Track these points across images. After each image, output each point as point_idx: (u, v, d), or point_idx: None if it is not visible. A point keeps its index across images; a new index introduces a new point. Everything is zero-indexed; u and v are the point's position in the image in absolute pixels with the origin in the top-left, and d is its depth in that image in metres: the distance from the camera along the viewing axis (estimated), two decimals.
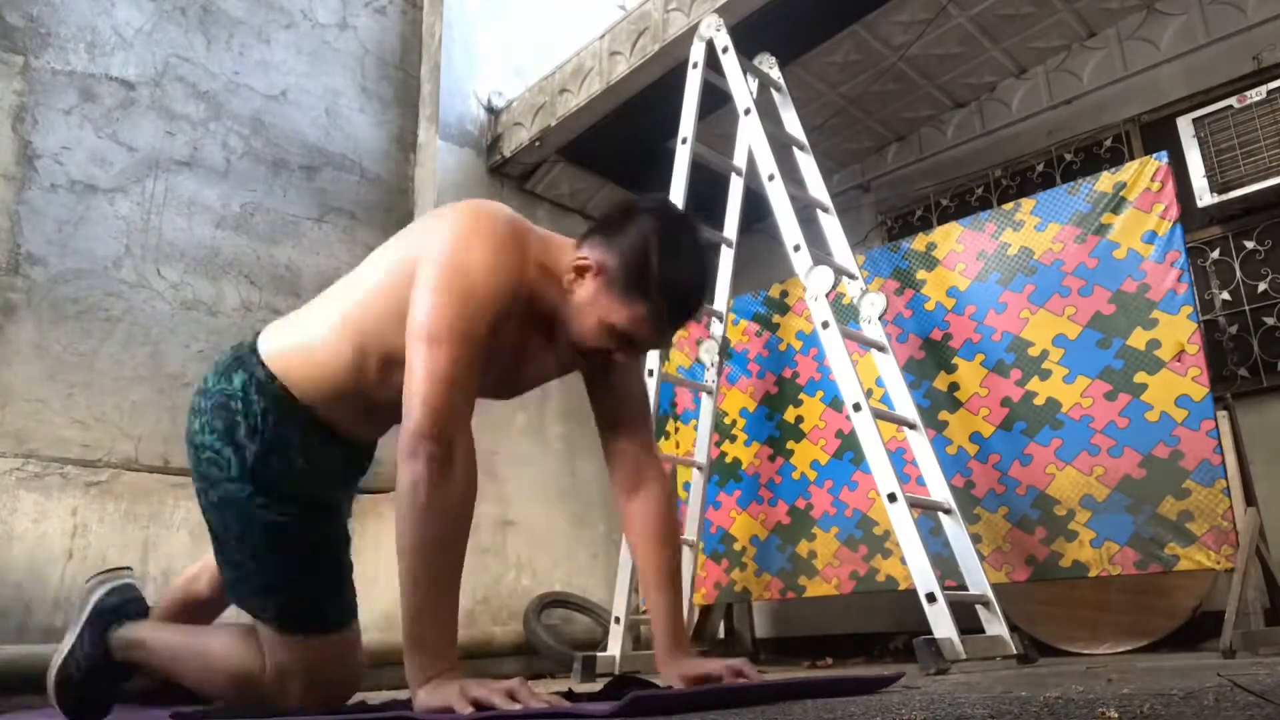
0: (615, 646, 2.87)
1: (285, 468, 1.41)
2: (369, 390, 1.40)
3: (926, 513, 2.63)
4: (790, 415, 3.45)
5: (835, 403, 3.28)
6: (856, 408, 2.51)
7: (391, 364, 1.34)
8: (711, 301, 3.32)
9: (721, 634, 3.95)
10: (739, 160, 3.35)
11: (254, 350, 1.46)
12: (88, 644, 1.61)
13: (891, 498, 2.41)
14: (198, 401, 1.47)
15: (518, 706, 1.07)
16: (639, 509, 1.50)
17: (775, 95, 3.41)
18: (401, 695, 1.25)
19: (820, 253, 2.85)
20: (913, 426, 2.74)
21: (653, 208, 1.36)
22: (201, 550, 3.15)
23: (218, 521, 1.44)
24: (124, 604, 1.67)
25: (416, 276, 1.27)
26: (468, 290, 1.24)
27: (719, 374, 3.40)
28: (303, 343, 1.43)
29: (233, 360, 1.47)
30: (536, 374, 1.49)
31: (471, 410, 1.25)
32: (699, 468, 3.27)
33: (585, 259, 1.33)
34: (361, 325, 1.38)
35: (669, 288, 1.30)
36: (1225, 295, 3.50)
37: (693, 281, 1.35)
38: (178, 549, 3.06)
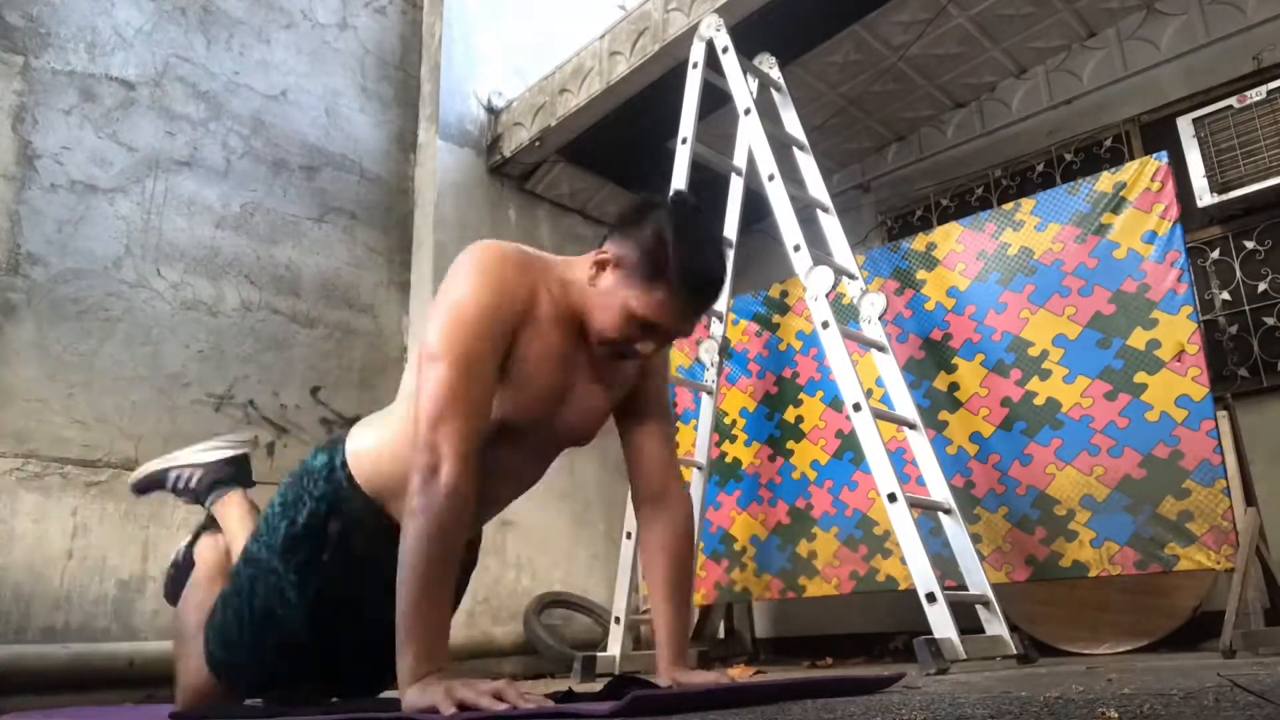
0: (615, 646, 2.87)
1: (313, 560, 1.44)
2: None
3: (926, 513, 2.63)
4: (790, 415, 3.45)
5: (835, 403, 3.28)
6: (856, 408, 2.52)
7: None
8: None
9: (721, 634, 3.95)
10: (739, 160, 3.35)
11: (346, 435, 1.53)
12: (195, 481, 1.89)
13: (891, 498, 2.41)
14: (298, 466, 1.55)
15: (503, 707, 1.08)
16: (661, 527, 1.53)
17: (775, 95, 3.41)
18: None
19: (820, 253, 2.85)
20: (913, 426, 2.74)
21: (667, 201, 1.40)
22: None
23: (237, 570, 1.54)
24: (241, 478, 1.93)
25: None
26: (462, 314, 1.28)
27: (719, 374, 3.40)
28: (379, 437, 1.47)
29: (330, 440, 1.54)
30: (592, 396, 1.46)
31: (475, 425, 1.25)
32: (699, 468, 3.27)
33: (605, 253, 1.37)
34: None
35: (688, 271, 1.33)
36: (1225, 295, 3.50)
37: (711, 265, 1.38)
38: None
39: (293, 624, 1.46)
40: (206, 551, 1.81)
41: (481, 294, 1.29)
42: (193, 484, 1.89)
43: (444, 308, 1.30)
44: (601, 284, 1.37)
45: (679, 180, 3.15)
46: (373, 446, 1.46)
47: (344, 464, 1.46)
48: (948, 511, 2.62)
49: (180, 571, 1.88)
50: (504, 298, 1.31)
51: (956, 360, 3.01)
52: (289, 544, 1.45)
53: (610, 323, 1.36)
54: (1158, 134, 3.74)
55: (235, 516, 1.81)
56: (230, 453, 1.94)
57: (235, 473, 1.92)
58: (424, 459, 1.20)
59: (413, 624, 1.17)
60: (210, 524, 1.86)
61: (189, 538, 1.88)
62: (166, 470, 1.92)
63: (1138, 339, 2.64)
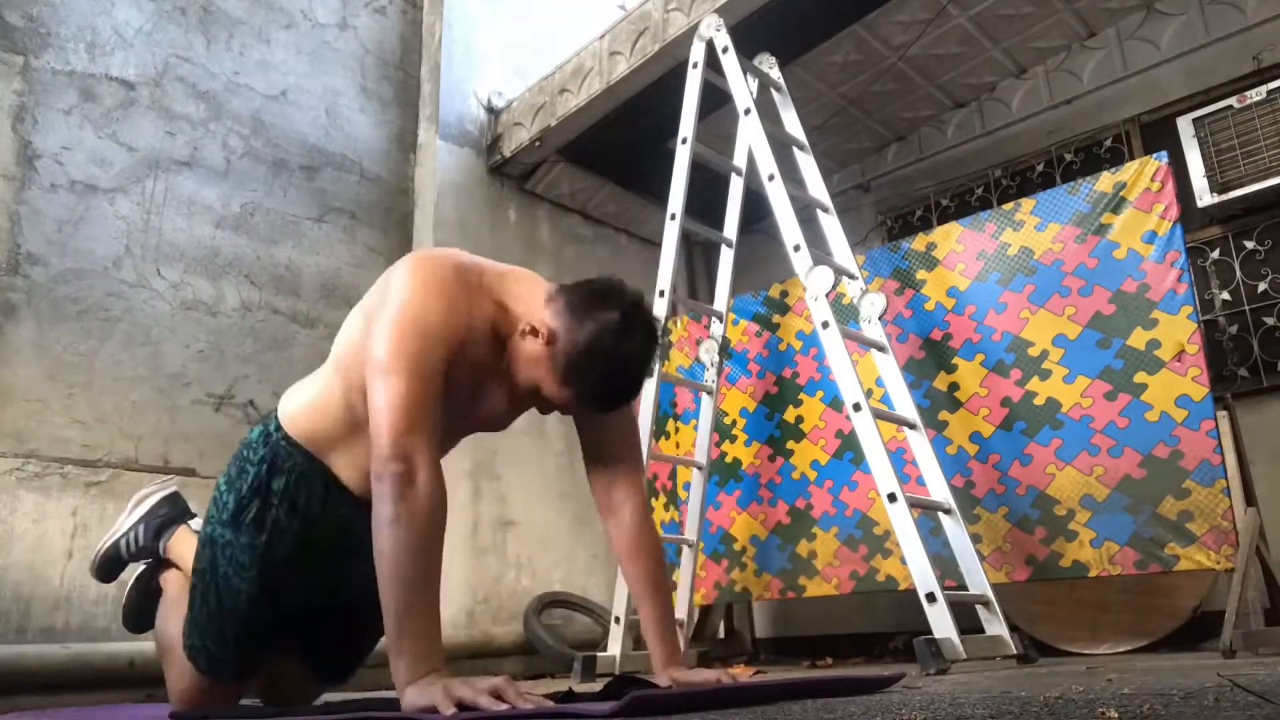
0: (615, 646, 2.87)
1: (261, 518, 1.51)
2: (366, 431, 1.42)
3: (926, 513, 2.63)
4: (790, 415, 3.45)
5: (835, 403, 3.27)
6: (856, 408, 2.51)
7: None
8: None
9: (721, 634, 3.95)
10: (739, 160, 3.35)
11: (277, 407, 1.60)
12: (143, 536, 1.92)
13: (891, 498, 2.41)
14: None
15: (503, 706, 1.08)
16: (617, 528, 1.58)
17: (775, 95, 3.41)
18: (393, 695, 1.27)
19: (820, 253, 2.85)
20: (913, 426, 2.74)
21: (622, 305, 1.39)
22: None
23: (198, 555, 1.59)
24: (179, 514, 1.97)
25: (375, 321, 1.36)
26: (418, 328, 1.31)
27: (719, 374, 3.40)
28: (307, 394, 1.56)
29: (264, 416, 1.63)
30: (511, 402, 1.53)
31: (435, 435, 1.30)
32: (699, 468, 3.27)
33: (542, 324, 1.39)
34: (347, 366, 1.48)
35: (597, 389, 1.40)
36: (1225, 295, 3.50)
37: (620, 392, 1.44)
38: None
39: (252, 589, 1.51)
40: (172, 574, 1.89)
41: (436, 313, 1.33)
42: (141, 540, 1.95)
43: (398, 320, 1.31)
44: (526, 345, 1.40)
45: (679, 180, 3.15)
46: (305, 403, 1.53)
47: (278, 426, 1.53)
48: (948, 511, 2.62)
49: (143, 597, 1.96)
50: (455, 318, 1.35)
51: (956, 360, 3.01)
52: (237, 510, 1.51)
53: (521, 383, 1.43)
54: (1158, 134, 3.74)
55: (188, 547, 1.88)
56: (160, 494, 2.02)
57: (172, 511, 1.99)
58: (397, 468, 1.22)
59: (405, 628, 1.18)
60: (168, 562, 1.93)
61: (141, 566, 1.98)
62: (115, 544, 1.97)
63: (1138, 339, 2.64)
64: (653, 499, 3.80)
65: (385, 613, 1.19)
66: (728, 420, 3.61)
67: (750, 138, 3.01)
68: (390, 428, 1.24)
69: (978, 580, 2.52)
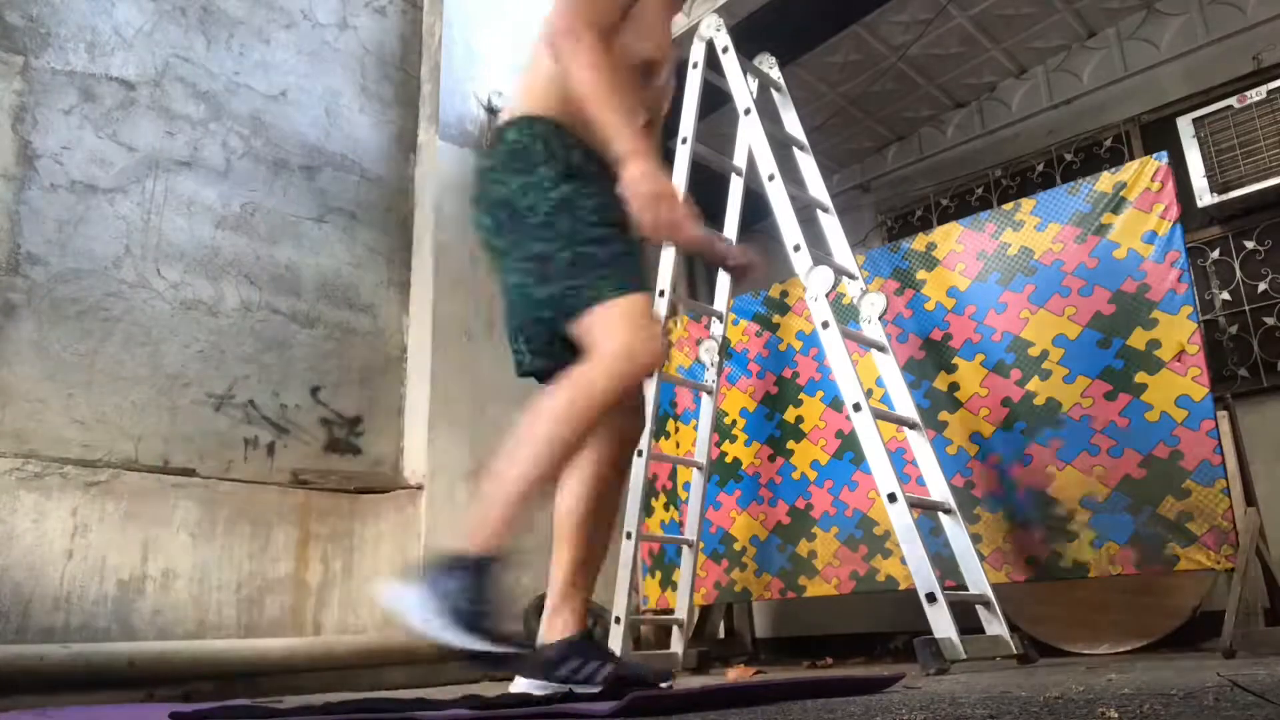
0: (615, 646, 2.87)
1: (565, 156, 1.75)
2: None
3: (926, 513, 2.63)
4: (790, 415, 3.45)
5: (835, 403, 3.28)
6: (856, 408, 2.52)
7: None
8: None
9: (721, 634, 3.95)
10: (739, 160, 3.35)
11: (503, 121, 1.84)
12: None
13: (891, 498, 2.41)
14: (483, 173, 1.82)
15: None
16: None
17: (775, 95, 3.41)
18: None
19: (820, 253, 2.85)
20: (913, 426, 2.74)
21: None
22: (201, 550, 3.14)
23: (524, 227, 1.71)
24: None
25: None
26: None
27: (719, 374, 3.40)
28: (527, 82, 1.86)
29: (499, 129, 1.83)
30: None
31: (599, 29, 1.67)
32: (699, 468, 3.27)
33: None
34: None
35: None
36: (1225, 295, 3.50)
37: None
38: (177, 549, 3.06)
39: (589, 204, 1.71)
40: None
41: None
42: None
43: None
44: None
45: (679, 180, 3.15)
46: (531, 90, 1.83)
47: (525, 115, 1.79)
48: (948, 511, 2.62)
49: None
50: None
51: (956, 360, 3.01)
52: (564, 170, 1.72)
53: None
54: (1158, 134, 3.75)
55: None
56: None
57: None
58: (568, 39, 1.62)
59: (615, 120, 1.58)
60: None
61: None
62: None
63: (1138, 339, 2.64)
64: (653, 499, 3.80)
65: (599, 124, 1.61)
66: (728, 420, 3.61)
67: (750, 138, 3.01)
68: (561, 14, 1.63)
69: (978, 580, 2.52)
